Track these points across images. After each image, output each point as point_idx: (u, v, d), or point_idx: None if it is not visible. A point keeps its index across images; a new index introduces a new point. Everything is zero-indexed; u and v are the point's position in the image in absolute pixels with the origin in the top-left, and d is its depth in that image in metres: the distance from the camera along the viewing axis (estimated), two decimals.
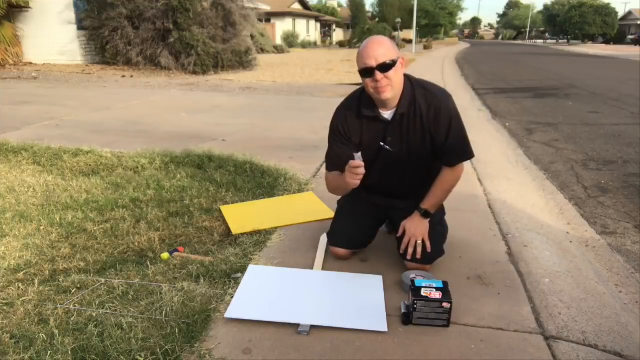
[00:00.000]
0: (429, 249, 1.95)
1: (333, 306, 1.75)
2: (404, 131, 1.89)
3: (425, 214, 1.97)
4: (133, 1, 11.95)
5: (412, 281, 1.70)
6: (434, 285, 1.67)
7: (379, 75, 1.75)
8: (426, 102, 1.85)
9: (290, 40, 30.02)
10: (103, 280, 1.91)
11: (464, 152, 1.93)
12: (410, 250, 1.95)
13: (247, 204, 2.79)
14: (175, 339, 1.53)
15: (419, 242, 1.94)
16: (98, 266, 2.07)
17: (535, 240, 2.46)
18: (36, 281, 1.91)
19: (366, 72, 1.77)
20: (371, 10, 53.07)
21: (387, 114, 1.88)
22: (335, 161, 1.96)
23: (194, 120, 5.66)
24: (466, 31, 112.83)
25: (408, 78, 1.88)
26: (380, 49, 1.75)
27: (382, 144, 1.92)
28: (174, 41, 12.05)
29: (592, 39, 56.27)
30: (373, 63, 1.74)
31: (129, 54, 12.33)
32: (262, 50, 21.42)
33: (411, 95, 1.85)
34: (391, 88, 1.79)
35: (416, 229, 1.95)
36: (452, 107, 1.88)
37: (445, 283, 1.69)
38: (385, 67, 1.74)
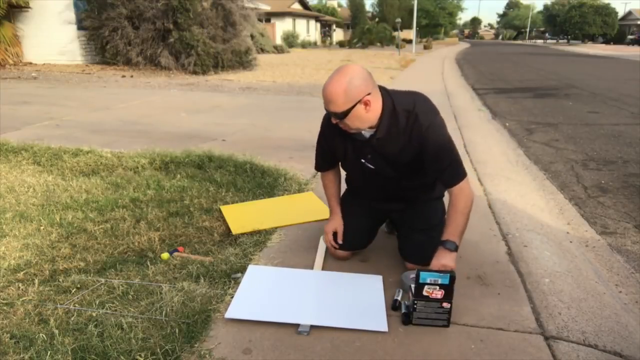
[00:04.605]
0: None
1: (333, 306, 1.75)
2: (383, 151, 1.83)
3: (452, 247, 1.73)
4: (133, 1, 11.94)
5: (417, 274, 1.61)
6: (439, 280, 1.60)
7: (333, 119, 1.73)
8: (408, 125, 1.74)
9: (290, 40, 30.00)
10: (103, 280, 1.91)
11: (454, 174, 1.77)
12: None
13: (247, 204, 2.79)
14: (175, 339, 1.53)
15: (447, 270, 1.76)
16: (98, 266, 2.07)
17: (535, 240, 2.46)
18: (36, 281, 1.91)
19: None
20: (371, 10, 53.15)
21: (366, 133, 1.81)
22: (322, 159, 2.07)
23: (194, 120, 5.65)
24: (466, 31, 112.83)
25: (391, 98, 1.76)
26: (331, 95, 1.64)
27: (362, 160, 1.89)
28: (174, 41, 12.04)
29: (592, 39, 56.29)
30: (326, 108, 1.71)
31: (129, 54, 12.32)
32: (262, 50, 21.42)
33: (390, 121, 1.75)
34: (351, 129, 1.74)
35: (443, 261, 1.70)
36: (438, 128, 1.75)
37: (452, 278, 1.59)
38: (337, 116, 1.69)
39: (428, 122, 1.74)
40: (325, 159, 2.07)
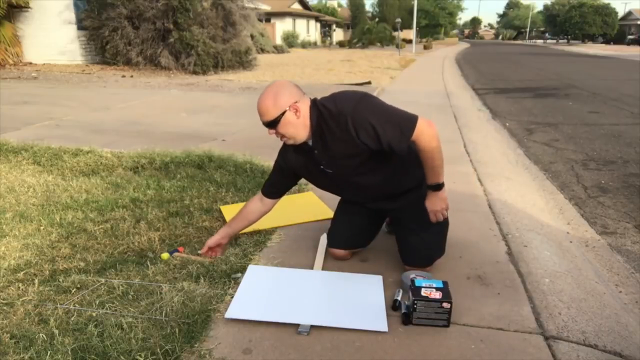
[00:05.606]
0: (442, 218, 1.93)
1: (333, 306, 1.75)
2: (330, 153, 1.86)
3: (436, 188, 1.87)
4: (133, 1, 11.93)
5: (412, 281, 1.71)
6: (434, 285, 1.67)
7: (269, 130, 1.83)
8: (337, 123, 1.77)
9: (290, 40, 29.99)
10: (103, 280, 1.91)
11: (404, 131, 1.74)
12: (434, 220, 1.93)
13: None
14: (175, 339, 1.53)
15: (444, 213, 1.91)
16: (98, 266, 2.07)
17: (535, 240, 2.46)
18: (36, 281, 1.91)
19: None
20: (371, 10, 53.11)
21: (310, 141, 1.88)
22: (270, 184, 2.14)
23: (194, 120, 5.66)
24: (466, 31, 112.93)
25: (316, 104, 1.83)
26: (262, 107, 1.79)
27: (322, 167, 1.93)
28: (174, 41, 12.03)
29: (592, 39, 56.31)
30: (260, 119, 1.82)
31: (129, 54, 12.32)
32: (262, 50, 21.41)
33: (318, 125, 1.81)
34: (286, 137, 1.84)
35: (434, 205, 1.91)
36: (364, 109, 1.75)
37: (445, 283, 1.69)
38: (269, 125, 1.80)
39: (350, 109, 1.75)
40: (272, 185, 2.14)
